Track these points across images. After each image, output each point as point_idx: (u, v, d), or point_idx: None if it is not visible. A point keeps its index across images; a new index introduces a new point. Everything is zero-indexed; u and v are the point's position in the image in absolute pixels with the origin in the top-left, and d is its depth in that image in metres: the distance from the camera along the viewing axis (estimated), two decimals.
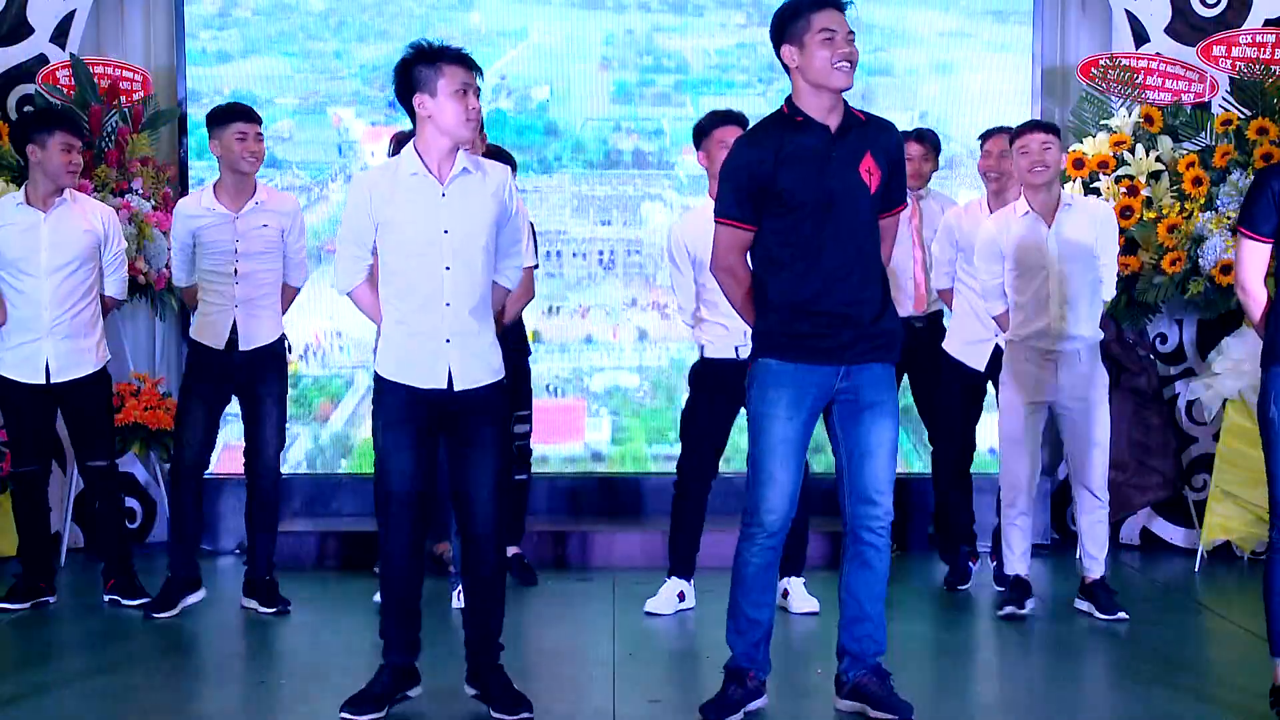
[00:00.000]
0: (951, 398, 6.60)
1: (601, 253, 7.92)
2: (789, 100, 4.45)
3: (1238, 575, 7.13)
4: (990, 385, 6.52)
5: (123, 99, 7.54)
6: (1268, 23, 7.47)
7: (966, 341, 6.58)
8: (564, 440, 7.90)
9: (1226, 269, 6.85)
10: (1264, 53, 7.33)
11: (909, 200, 5.90)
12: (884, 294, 4.55)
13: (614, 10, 8.01)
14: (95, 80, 7.49)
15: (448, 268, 4.59)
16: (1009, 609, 6.13)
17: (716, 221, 4.54)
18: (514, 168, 6.00)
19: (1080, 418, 5.95)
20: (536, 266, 6.06)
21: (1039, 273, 5.89)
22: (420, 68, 4.56)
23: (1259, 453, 4.66)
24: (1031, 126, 5.96)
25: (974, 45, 7.92)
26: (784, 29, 4.40)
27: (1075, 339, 5.94)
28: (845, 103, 4.47)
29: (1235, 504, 7.05)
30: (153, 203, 7.39)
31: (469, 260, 4.61)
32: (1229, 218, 6.86)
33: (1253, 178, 4.70)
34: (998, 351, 6.34)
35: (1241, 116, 7.24)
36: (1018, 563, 6.18)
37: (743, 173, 4.44)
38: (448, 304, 4.61)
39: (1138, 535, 7.68)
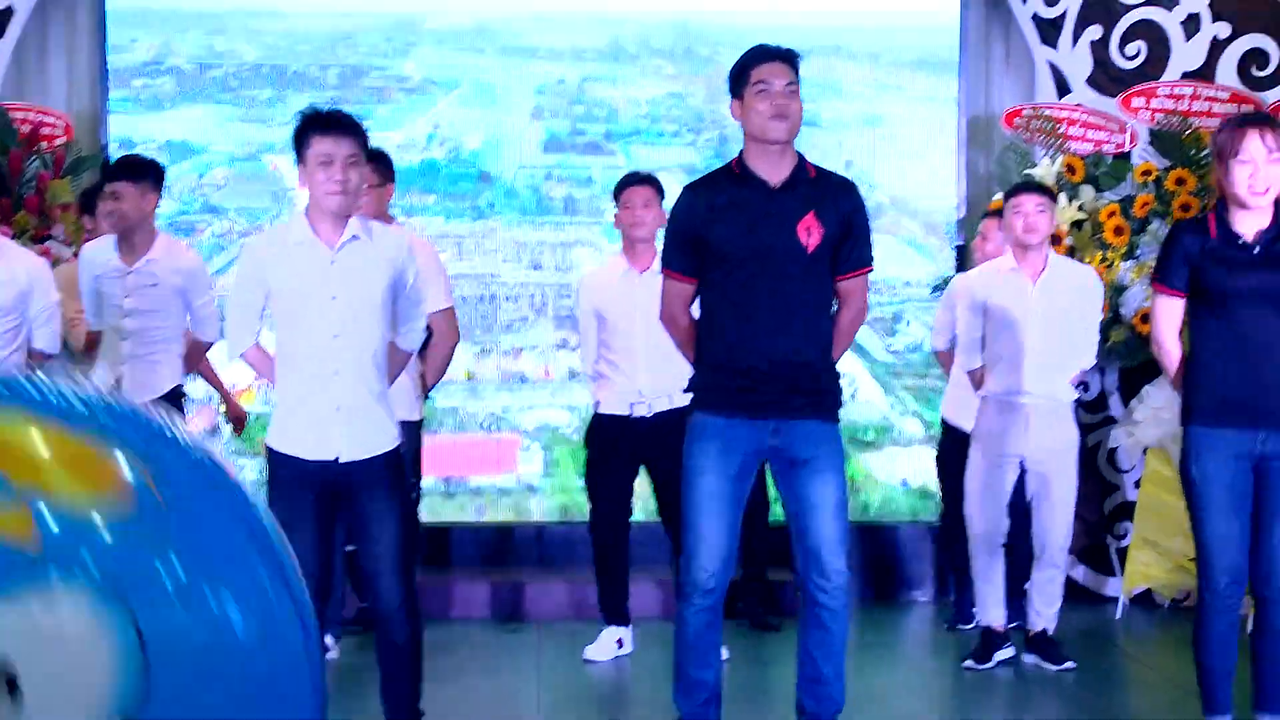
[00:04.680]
0: (953, 469, 6.45)
1: (534, 296, 7.91)
2: (740, 153, 4.42)
3: (1159, 623, 7.09)
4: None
5: (43, 144, 7.37)
6: (1186, 75, 7.49)
7: (961, 402, 6.45)
8: (498, 473, 7.87)
9: (1147, 318, 6.78)
10: (1182, 104, 7.35)
11: None
12: (823, 353, 4.47)
13: (546, 59, 8.04)
14: (14, 126, 7.32)
15: (336, 336, 4.44)
16: (970, 663, 6.11)
17: (662, 272, 4.53)
18: (392, 179, 5.85)
19: (1048, 476, 5.89)
20: (451, 308, 5.97)
21: (1018, 331, 5.86)
22: (298, 136, 4.50)
23: (1179, 500, 4.65)
24: (1027, 188, 5.89)
25: (901, 96, 7.97)
26: (732, 83, 4.38)
27: (1048, 397, 5.89)
28: (800, 159, 4.42)
29: (1156, 552, 6.99)
30: (74, 249, 7.17)
31: (359, 328, 4.48)
32: (1149, 267, 6.73)
33: (1167, 233, 4.75)
34: None
35: (1161, 167, 7.23)
36: (992, 612, 6.07)
37: (679, 225, 4.44)
38: (336, 373, 4.45)
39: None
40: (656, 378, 5.56)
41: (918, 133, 7.92)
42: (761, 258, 4.29)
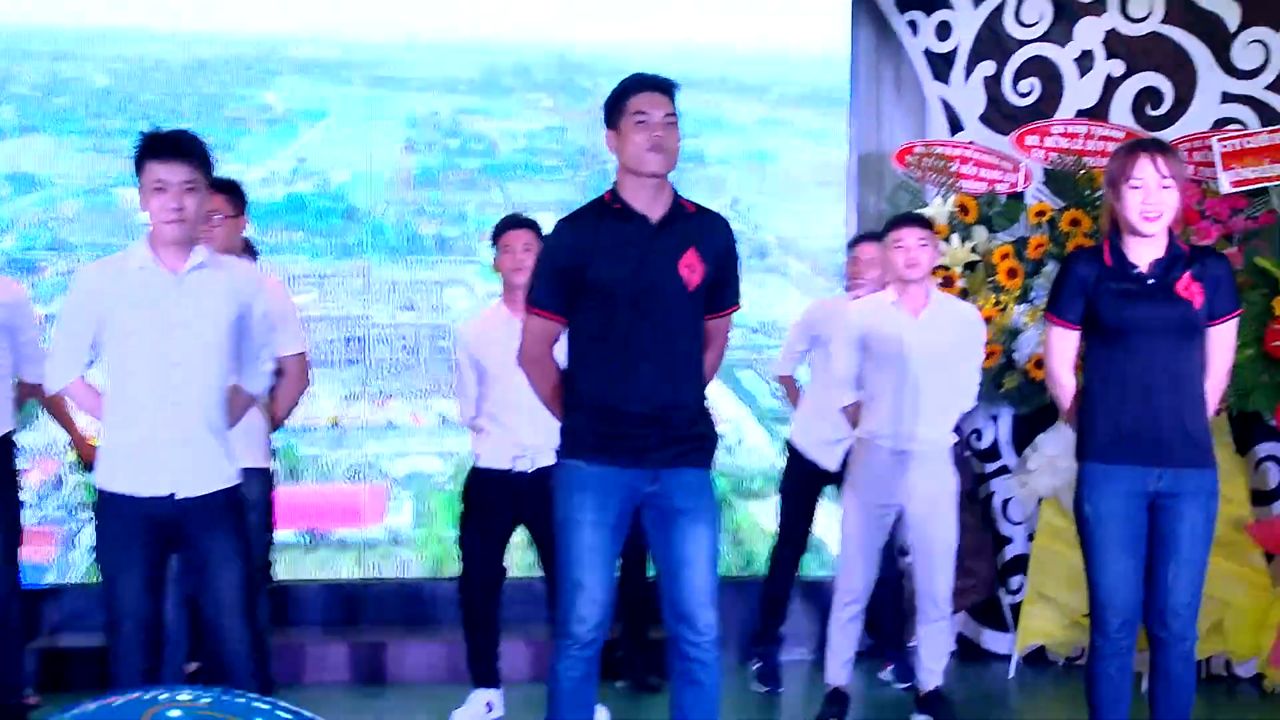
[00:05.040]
0: (796, 495, 6.44)
1: (405, 338, 7.68)
2: (613, 186, 4.27)
3: (1053, 681, 6.97)
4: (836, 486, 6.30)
5: None
6: (1080, 114, 7.37)
7: (822, 441, 6.41)
8: (364, 525, 7.68)
9: (1042, 363, 6.22)
10: (1076, 143, 7.20)
11: None
12: (699, 397, 4.36)
13: (418, 90, 7.80)
14: None
15: (175, 365, 4.30)
16: None
17: (526, 309, 4.34)
18: (244, 211, 5.60)
19: (928, 524, 5.74)
20: (304, 353, 5.66)
21: (897, 367, 5.71)
22: (136, 159, 4.31)
23: (1075, 554, 4.60)
24: (908, 221, 5.77)
25: (789, 132, 7.88)
26: (608, 113, 4.25)
27: (927, 440, 5.74)
28: (675, 193, 4.29)
29: (1050, 607, 6.87)
30: None
31: (200, 358, 4.33)
32: (1043, 310, 6.36)
33: (1061, 263, 4.66)
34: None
35: (1055, 207, 7.10)
36: (839, 671, 5.94)
37: (555, 260, 4.26)
38: (174, 404, 4.30)
39: (953, 640, 7.28)
40: (539, 431, 5.30)
41: (806, 170, 7.83)
42: (644, 296, 4.16)
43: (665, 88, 4.21)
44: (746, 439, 7.72)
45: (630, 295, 4.16)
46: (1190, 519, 4.43)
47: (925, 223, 5.75)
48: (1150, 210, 4.34)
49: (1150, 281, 4.38)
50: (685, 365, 4.26)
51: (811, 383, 6.49)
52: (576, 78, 7.87)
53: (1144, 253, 4.41)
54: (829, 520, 6.70)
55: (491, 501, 5.80)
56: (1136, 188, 4.33)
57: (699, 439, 4.30)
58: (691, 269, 4.20)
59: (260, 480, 5.44)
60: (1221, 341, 4.47)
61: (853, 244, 6.52)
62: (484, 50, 7.84)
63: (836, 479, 6.25)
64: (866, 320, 5.77)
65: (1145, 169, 4.34)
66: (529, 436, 5.61)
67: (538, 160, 7.82)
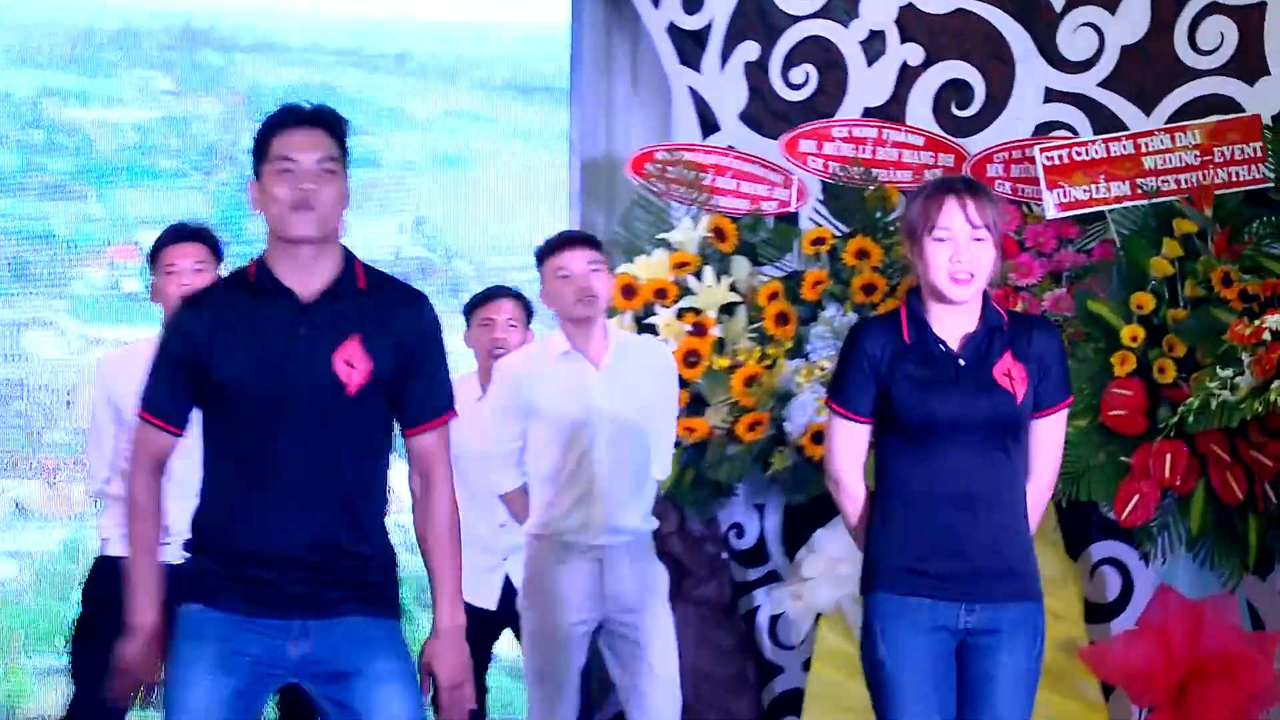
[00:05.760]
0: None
1: None
2: (260, 254, 4.03)
3: None
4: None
5: None
6: (868, 112, 6.89)
7: (469, 568, 5.77)
8: None
9: (821, 436, 5.98)
10: (864, 150, 6.72)
11: None
12: (372, 534, 3.99)
13: None
14: None
15: None
16: None
17: (137, 413, 4.08)
18: None
19: (634, 639, 5.46)
20: None
21: (581, 435, 5.40)
22: None
23: (860, 687, 4.38)
24: (572, 241, 5.52)
25: (491, 130, 7.42)
26: (254, 156, 3.98)
27: (624, 530, 5.43)
28: (349, 259, 3.98)
29: None
30: None
31: None
32: (823, 368, 6.20)
33: (847, 334, 4.49)
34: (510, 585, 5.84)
35: (837, 234, 6.59)
36: None
37: (170, 350, 4.01)
38: None
39: None
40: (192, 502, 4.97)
41: (514, 180, 7.37)
42: (282, 400, 3.92)
43: (324, 121, 3.92)
44: None
45: (263, 398, 3.93)
46: (1010, 664, 4.26)
47: (592, 242, 5.58)
48: (960, 271, 4.14)
49: (961, 364, 4.20)
50: (343, 493, 3.95)
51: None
52: (205, 53, 7.36)
53: (952, 325, 4.22)
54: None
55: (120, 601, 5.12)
56: (942, 240, 4.14)
57: (366, 583, 3.98)
58: (352, 364, 3.93)
59: None
60: (1048, 438, 4.32)
61: (477, 304, 6.13)
62: (77, 10, 7.32)
63: (500, 622, 5.95)
64: (532, 379, 5.49)
65: (953, 217, 4.15)
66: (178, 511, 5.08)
67: (151, 161, 7.34)
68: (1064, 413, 4.33)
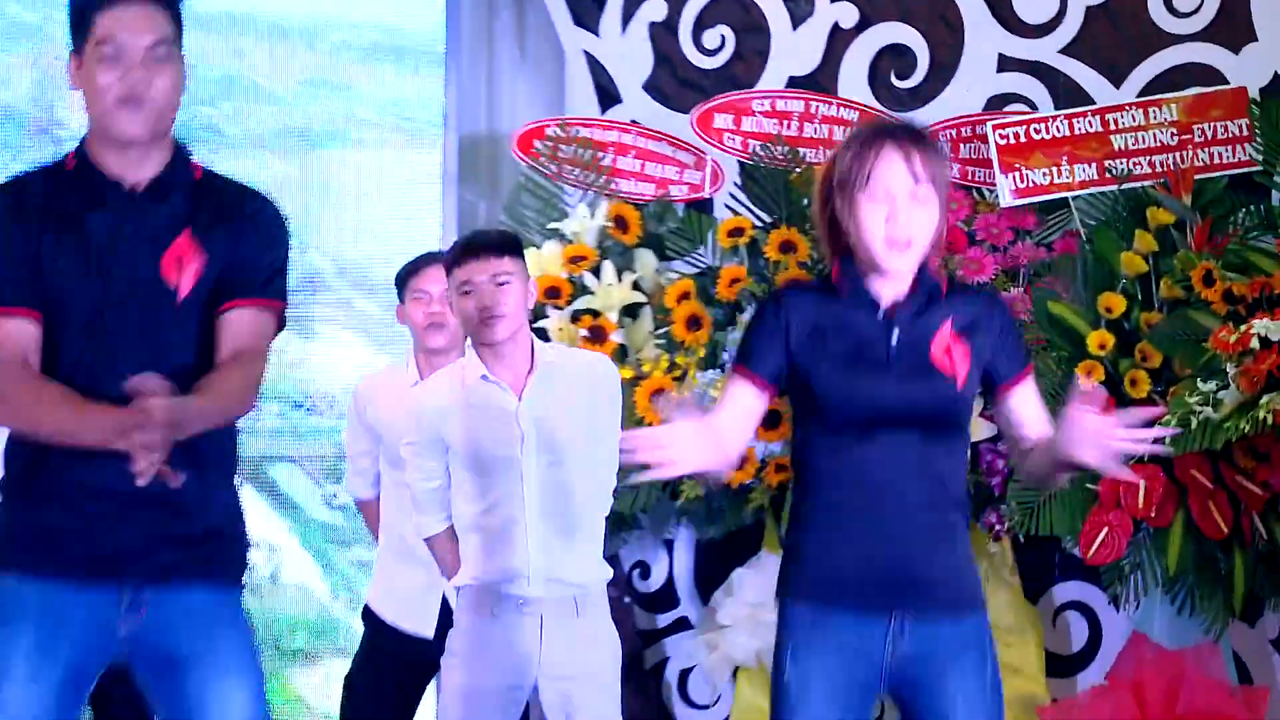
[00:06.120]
0: (381, 690, 5.79)
1: None
2: (81, 141, 3.90)
3: None
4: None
5: None
6: (794, 83, 6.59)
7: (404, 595, 5.69)
8: None
9: (741, 461, 5.62)
10: (789, 127, 6.44)
11: None
12: (217, 477, 3.85)
13: None
14: None
15: None
16: None
17: None
18: None
19: (578, 709, 5.15)
20: None
21: (507, 472, 5.05)
22: None
23: None
24: (475, 249, 5.12)
25: (351, 99, 6.91)
26: (72, 32, 3.85)
27: (566, 583, 5.08)
28: (179, 150, 3.81)
29: None
30: None
31: None
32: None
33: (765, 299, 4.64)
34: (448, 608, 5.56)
35: (758, 224, 6.31)
36: None
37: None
38: None
39: None
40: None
41: (380, 160, 6.94)
42: (105, 307, 3.72)
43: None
44: (284, 571, 6.86)
45: (87, 305, 3.78)
46: (961, 695, 3.97)
47: (507, 245, 5.18)
48: (899, 233, 3.92)
49: (894, 342, 3.97)
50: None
51: (385, 503, 5.74)
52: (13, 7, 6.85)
53: (882, 295, 4.01)
54: None
55: None
56: (877, 197, 3.92)
57: (209, 542, 3.85)
58: (182, 263, 3.78)
59: None
60: (1026, 405, 4.04)
61: (412, 272, 5.78)
62: None
63: (436, 652, 5.47)
64: (445, 410, 5.16)
65: (893, 169, 3.92)
66: None
67: None
68: (1030, 378, 4.09)
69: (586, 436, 5.09)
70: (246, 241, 3.87)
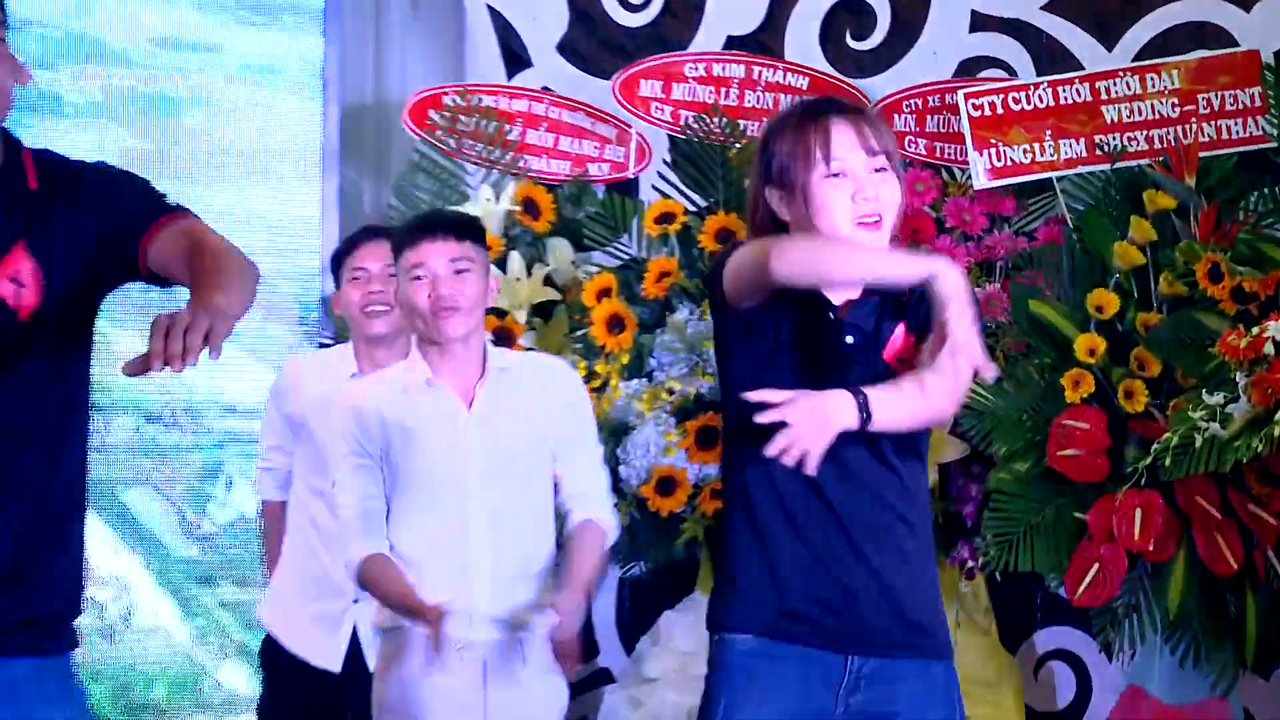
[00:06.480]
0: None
1: None
2: None
3: None
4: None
5: None
6: (732, 43, 6.32)
7: (311, 617, 5.24)
8: None
9: (669, 484, 5.60)
10: (726, 96, 6.13)
11: None
12: (52, 522, 3.32)
13: None
14: None
15: None
16: None
17: None
18: None
19: None
20: None
21: (451, 492, 4.66)
22: None
23: None
24: (430, 228, 4.76)
25: (219, 64, 6.38)
26: None
27: (515, 621, 4.66)
28: (16, 146, 3.25)
29: None
30: None
31: None
32: (671, 391, 5.69)
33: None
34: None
35: (691, 209, 5.95)
36: None
37: None
38: None
39: None
40: None
41: (250, 132, 6.42)
42: None
43: None
44: (138, 614, 6.28)
45: None
46: None
47: (467, 228, 4.75)
48: (868, 212, 3.67)
49: (850, 340, 3.65)
50: (7, 463, 3.33)
51: (294, 512, 5.32)
52: None
53: (833, 292, 3.81)
54: None
55: None
56: (838, 175, 3.63)
57: (33, 598, 3.33)
58: (20, 280, 3.27)
59: None
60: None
61: (349, 250, 5.38)
62: None
63: (341, 690, 5.17)
64: (380, 414, 4.77)
65: (847, 144, 3.65)
66: None
67: None
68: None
69: (541, 454, 4.69)
70: (109, 194, 3.39)
